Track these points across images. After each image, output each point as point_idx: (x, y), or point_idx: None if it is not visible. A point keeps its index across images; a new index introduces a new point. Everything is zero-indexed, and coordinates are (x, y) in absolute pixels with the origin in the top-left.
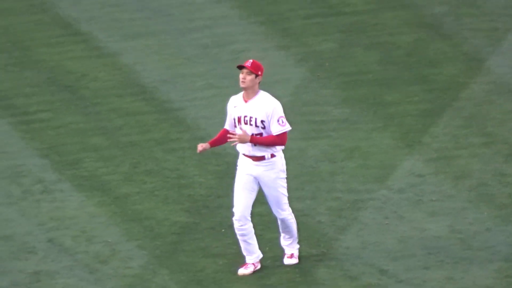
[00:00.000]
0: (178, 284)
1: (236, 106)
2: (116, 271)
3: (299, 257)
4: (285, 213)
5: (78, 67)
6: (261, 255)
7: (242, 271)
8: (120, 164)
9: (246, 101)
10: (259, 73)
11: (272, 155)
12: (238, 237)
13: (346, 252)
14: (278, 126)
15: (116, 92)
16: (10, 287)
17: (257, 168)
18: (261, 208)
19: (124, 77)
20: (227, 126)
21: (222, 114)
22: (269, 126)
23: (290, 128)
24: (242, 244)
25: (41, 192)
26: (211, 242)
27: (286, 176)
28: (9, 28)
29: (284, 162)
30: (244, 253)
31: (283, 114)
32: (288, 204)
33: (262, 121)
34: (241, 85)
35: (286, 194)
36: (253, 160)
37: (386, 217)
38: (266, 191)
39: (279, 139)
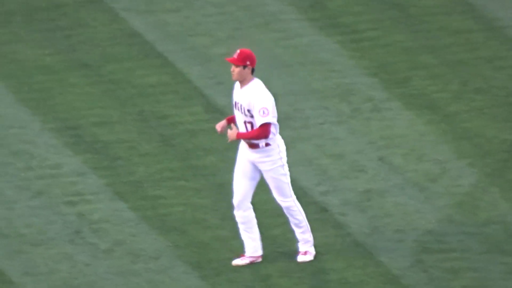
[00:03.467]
0: (508, 202)
1: (236, 90)
2: (446, 189)
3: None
4: (288, 199)
5: None
6: (260, 252)
7: (237, 261)
8: (449, 82)
9: (241, 88)
10: (247, 63)
11: (267, 144)
12: (239, 225)
13: None
14: (259, 117)
15: (444, 10)
16: (341, 205)
17: (253, 155)
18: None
19: None
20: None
21: None
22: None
23: (272, 120)
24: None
25: (370, 110)
26: None
27: (285, 163)
28: None
29: (282, 149)
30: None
31: (266, 106)
32: (292, 191)
33: (248, 110)
34: (232, 78)
35: (287, 181)
36: (249, 146)
37: None
38: (266, 178)
39: (262, 131)
